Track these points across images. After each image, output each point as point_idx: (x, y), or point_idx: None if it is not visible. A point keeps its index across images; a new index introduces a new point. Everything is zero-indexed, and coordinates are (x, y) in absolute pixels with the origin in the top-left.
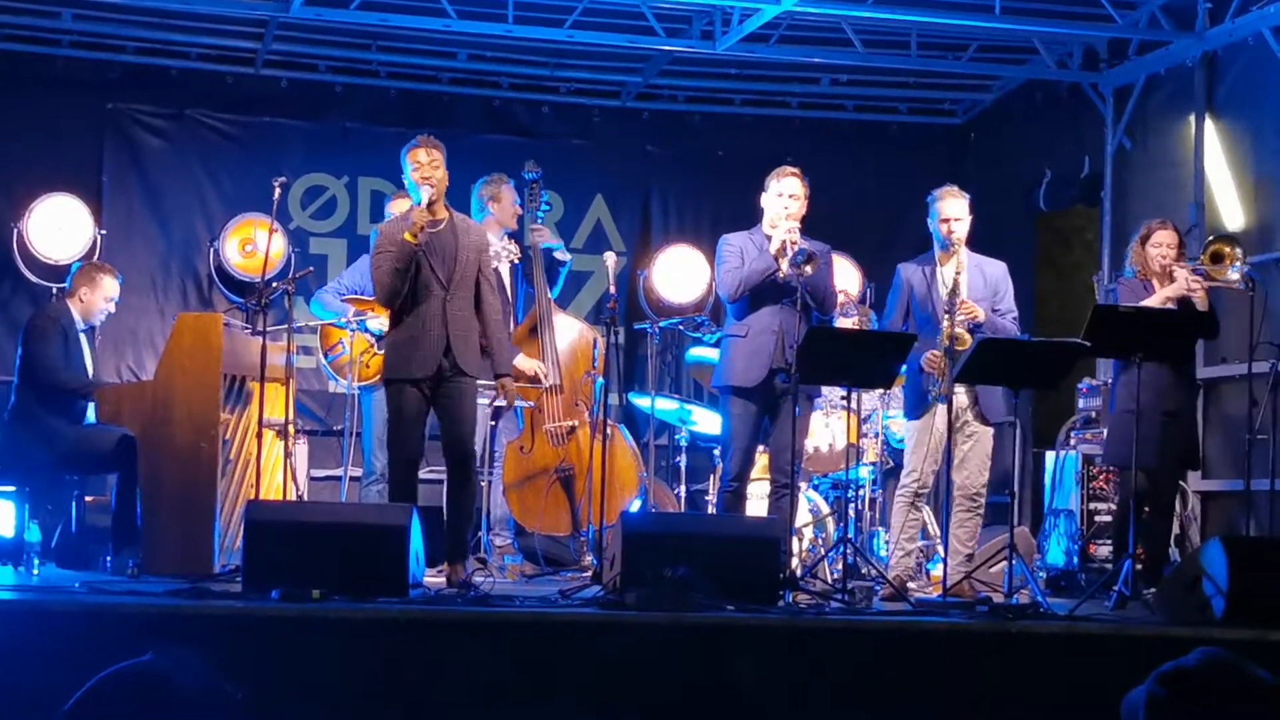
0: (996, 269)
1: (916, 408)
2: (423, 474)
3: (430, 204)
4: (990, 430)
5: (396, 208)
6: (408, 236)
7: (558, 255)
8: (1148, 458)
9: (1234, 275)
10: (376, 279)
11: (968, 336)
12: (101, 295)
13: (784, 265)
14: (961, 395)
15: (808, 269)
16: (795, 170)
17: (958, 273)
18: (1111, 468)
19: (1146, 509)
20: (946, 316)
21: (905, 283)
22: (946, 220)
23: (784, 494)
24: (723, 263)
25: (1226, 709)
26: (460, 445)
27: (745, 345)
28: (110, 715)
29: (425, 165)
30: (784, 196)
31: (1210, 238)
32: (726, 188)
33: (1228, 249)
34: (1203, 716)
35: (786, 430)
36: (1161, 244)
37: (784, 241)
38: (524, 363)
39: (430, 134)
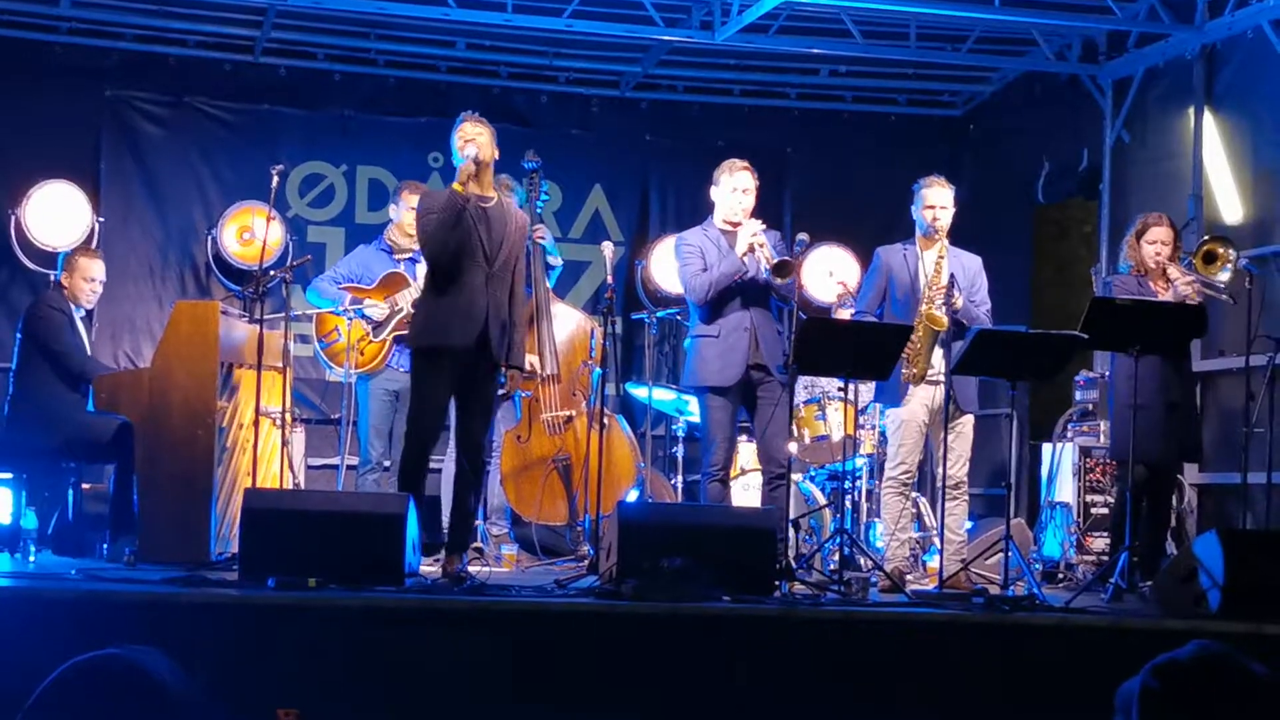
0: (973, 262)
1: (895, 394)
2: None
3: (478, 168)
4: (970, 419)
5: (408, 200)
6: (456, 186)
7: (550, 261)
8: (1149, 451)
9: (1223, 277)
10: (425, 233)
11: (944, 319)
12: (81, 277)
13: (749, 263)
14: (937, 390)
15: (789, 277)
16: (746, 164)
17: (940, 256)
18: (1109, 460)
19: (1145, 502)
20: (928, 300)
21: (884, 265)
22: (932, 207)
23: (779, 485)
24: (685, 264)
25: (1220, 701)
26: (475, 437)
27: (718, 345)
28: (88, 705)
29: (469, 132)
30: (738, 191)
31: (1205, 237)
32: None
33: (1221, 250)
34: (1196, 708)
35: (771, 421)
36: (1157, 240)
37: (750, 243)
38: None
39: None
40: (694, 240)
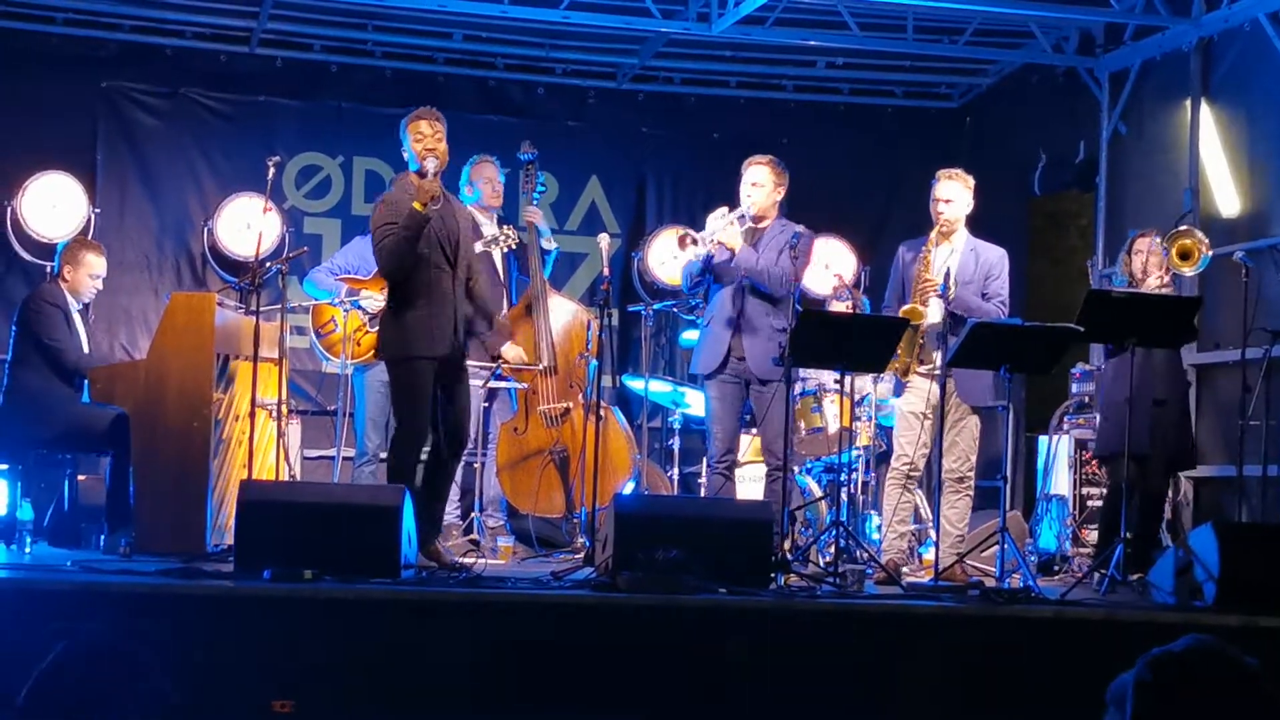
0: (992, 254)
1: (898, 385)
2: None
3: (435, 176)
4: (975, 415)
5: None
6: (417, 206)
7: (543, 244)
8: (1138, 445)
9: (1193, 269)
10: (386, 249)
11: (924, 313)
12: (86, 273)
13: (720, 253)
14: (933, 383)
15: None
16: (762, 159)
17: (928, 250)
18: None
19: (1135, 498)
20: (916, 293)
21: (900, 261)
22: (937, 201)
23: (776, 477)
24: None
25: (1213, 695)
26: (461, 430)
27: (706, 333)
28: (86, 686)
29: (429, 136)
30: (746, 184)
31: (1175, 230)
32: (721, 170)
33: (1190, 241)
34: (1189, 702)
35: (768, 415)
36: (1142, 251)
37: (715, 233)
38: (509, 351)
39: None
40: None
